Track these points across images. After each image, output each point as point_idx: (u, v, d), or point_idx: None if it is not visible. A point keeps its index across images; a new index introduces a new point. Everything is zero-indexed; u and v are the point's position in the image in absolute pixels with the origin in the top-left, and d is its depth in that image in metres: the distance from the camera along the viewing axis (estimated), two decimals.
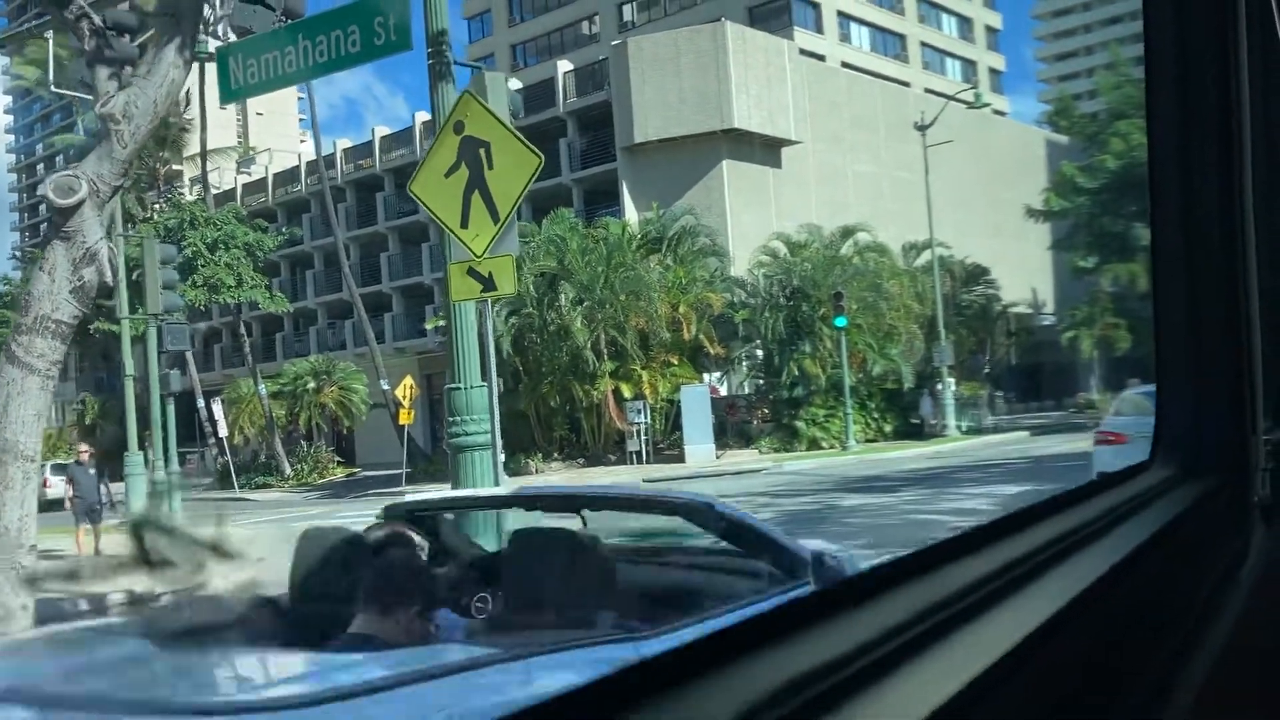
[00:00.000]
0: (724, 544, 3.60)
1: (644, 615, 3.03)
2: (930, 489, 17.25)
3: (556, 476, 28.78)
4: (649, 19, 55.04)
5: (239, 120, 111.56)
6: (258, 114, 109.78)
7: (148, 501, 16.38)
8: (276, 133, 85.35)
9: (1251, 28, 2.27)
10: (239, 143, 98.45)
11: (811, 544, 3.56)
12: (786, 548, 3.38)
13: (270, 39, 9.72)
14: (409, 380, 30.90)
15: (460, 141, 8.03)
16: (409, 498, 4.87)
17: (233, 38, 10.42)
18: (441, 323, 34.77)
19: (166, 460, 16.36)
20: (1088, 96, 59.96)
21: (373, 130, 46.37)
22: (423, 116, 40.25)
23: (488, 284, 7.90)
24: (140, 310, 16.20)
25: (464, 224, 8.01)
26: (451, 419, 8.48)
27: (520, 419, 30.74)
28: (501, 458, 30.53)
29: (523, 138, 7.99)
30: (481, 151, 7.94)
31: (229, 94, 9.93)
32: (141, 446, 16.63)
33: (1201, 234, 1.87)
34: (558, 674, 2.33)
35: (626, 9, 56.94)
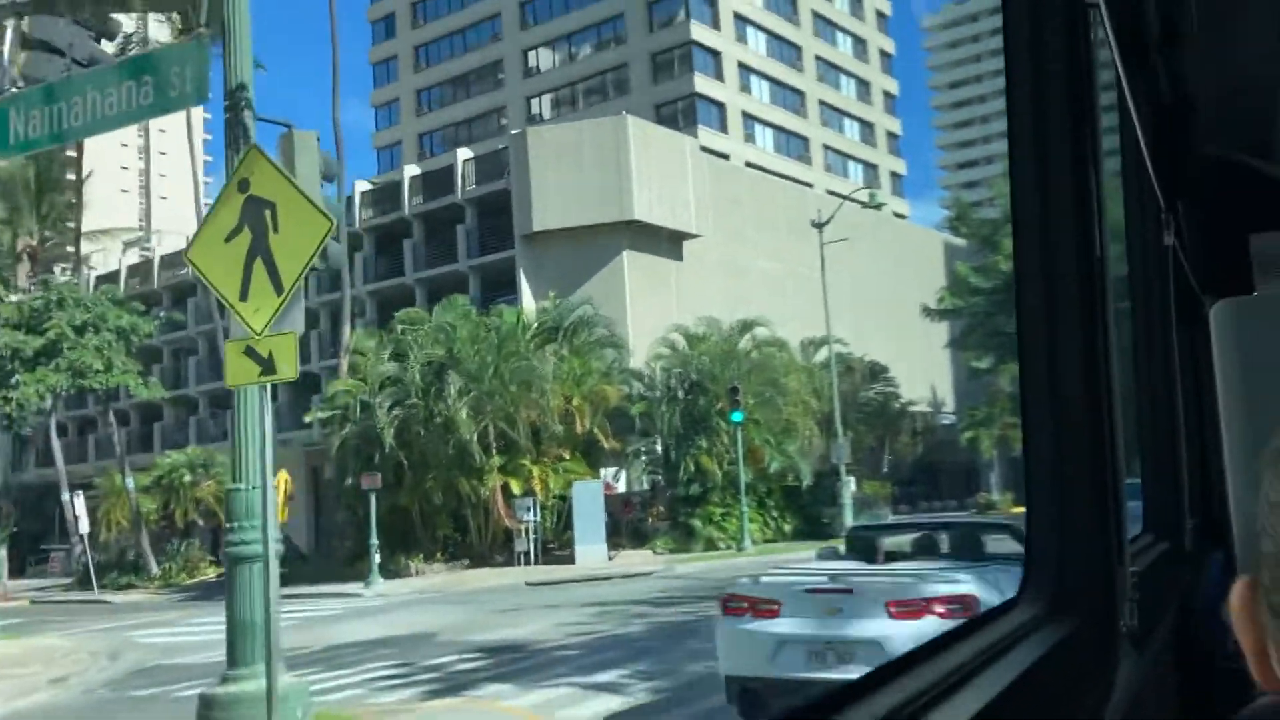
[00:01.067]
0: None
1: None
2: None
3: (437, 579, 27.09)
4: (559, 114, 55.19)
5: (142, 203, 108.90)
6: (161, 198, 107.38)
7: None
8: (184, 216, 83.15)
9: (1126, 140, 2.57)
10: (140, 225, 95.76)
11: None
12: None
13: (57, 89, 8.66)
14: (284, 475, 29.02)
15: (244, 202, 7.00)
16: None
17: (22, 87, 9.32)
18: (323, 414, 33.20)
19: None
20: (988, 203, 61.66)
21: None
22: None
23: (267, 366, 6.80)
24: None
25: (243, 296, 6.93)
26: (229, 525, 7.28)
27: (402, 515, 29.10)
28: (373, 560, 28.12)
29: (314, 199, 6.99)
30: (267, 213, 6.91)
31: (6, 148, 8.80)
32: None
33: (1063, 370, 1.88)
34: (990, 573, 7.47)
35: (535, 103, 57.09)
